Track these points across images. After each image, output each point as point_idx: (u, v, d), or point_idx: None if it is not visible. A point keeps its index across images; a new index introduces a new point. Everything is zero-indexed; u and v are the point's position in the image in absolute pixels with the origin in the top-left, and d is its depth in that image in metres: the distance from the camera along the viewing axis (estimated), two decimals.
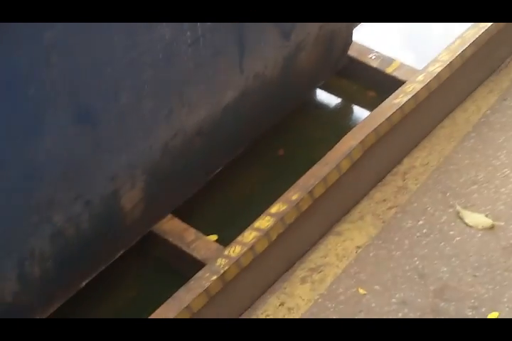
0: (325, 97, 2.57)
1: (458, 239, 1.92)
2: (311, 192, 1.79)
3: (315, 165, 1.87)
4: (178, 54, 1.69)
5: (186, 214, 1.89)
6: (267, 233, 1.71)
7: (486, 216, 1.96)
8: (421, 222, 1.96)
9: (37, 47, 1.30)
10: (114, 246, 1.86)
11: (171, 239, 1.82)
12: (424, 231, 1.94)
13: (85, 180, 1.51)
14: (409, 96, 2.13)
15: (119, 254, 1.77)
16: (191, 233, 1.82)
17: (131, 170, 1.61)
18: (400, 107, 2.11)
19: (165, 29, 1.52)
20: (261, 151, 2.10)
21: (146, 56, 1.47)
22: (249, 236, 1.70)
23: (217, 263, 1.65)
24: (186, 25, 1.64)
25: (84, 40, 1.39)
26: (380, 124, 2.07)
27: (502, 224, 1.93)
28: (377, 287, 1.83)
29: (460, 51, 2.28)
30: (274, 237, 1.73)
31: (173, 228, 1.84)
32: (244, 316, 1.78)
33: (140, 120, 1.56)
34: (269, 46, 2.11)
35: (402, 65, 2.38)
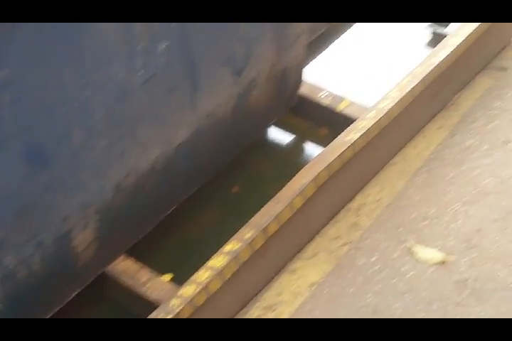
0: (278, 135, 2.60)
1: (410, 274, 1.94)
2: (264, 230, 1.80)
3: (268, 203, 1.88)
4: (130, 93, 1.69)
5: (141, 253, 1.87)
6: (220, 272, 1.70)
7: (438, 251, 1.99)
8: (374, 258, 1.98)
9: None
10: (67, 287, 1.83)
11: (124, 280, 1.80)
12: (377, 267, 1.96)
13: (37, 220, 1.49)
14: (361, 133, 2.16)
15: (72, 295, 1.74)
16: (145, 273, 1.80)
17: (84, 210, 1.59)
18: (352, 144, 2.13)
19: (118, 68, 1.54)
20: (215, 189, 2.11)
21: (98, 95, 1.47)
22: (203, 275, 1.69)
23: (171, 304, 1.64)
24: (139, 64, 1.65)
25: (37, 80, 1.39)
26: (332, 161, 2.09)
27: (453, 258, 1.97)
28: None
29: (409, 88, 2.33)
30: (228, 276, 1.73)
31: (127, 268, 1.82)
32: None
33: (93, 160, 1.56)
34: (222, 84, 2.13)
35: (352, 103, 2.41)
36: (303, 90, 2.49)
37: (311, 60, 2.72)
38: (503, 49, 2.98)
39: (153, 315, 1.64)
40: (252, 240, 1.78)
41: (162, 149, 1.96)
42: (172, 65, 1.80)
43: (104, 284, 1.85)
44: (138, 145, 1.85)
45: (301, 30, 2.40)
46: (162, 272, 1.84)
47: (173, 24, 1.72)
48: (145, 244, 1.91)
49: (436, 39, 2.74)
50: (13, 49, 1.28)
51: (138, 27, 1.62)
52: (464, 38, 2.61)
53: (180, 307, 1.64)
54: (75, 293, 1.76)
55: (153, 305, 1.70)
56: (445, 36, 2.67)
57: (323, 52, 2.87)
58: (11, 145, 1.37)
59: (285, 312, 1.86)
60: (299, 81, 2.53)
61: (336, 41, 2.91)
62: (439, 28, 2.82)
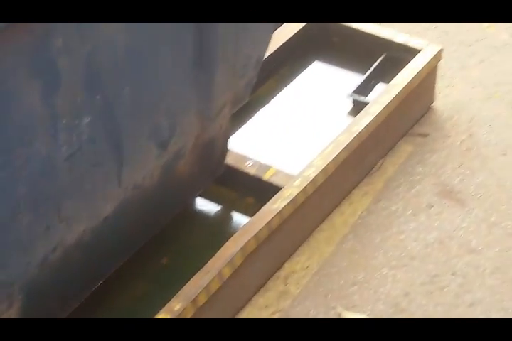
0: (205, 205, 2.63)
1: None
2: (193, 302, 1.80)
3: (197, 274, 1.89)
4: (54, 169, 1.69)
5: None
6: None
7: (367, 316, 2.01)
8: None
9: None
10: None
11: None
12: None
13: None
14: (287, 201, 2.21)
15: None
16: None
17: (8, 288, 1.57)
18: (279, 212, 2.17)
19: (41, 144, 1.54)
20: (144, 261, 2.11)
21: (21, 172, 1.47)
22: None
23: None
24: (62, 139, 1.65)
25: None
26: (260, 230, 2.12)
27: None
28: None
29: (333, 156, 2.40)
30: None
31: None
32: None
33: (16, 236, 1.54)
34: (147, 156, 2.15)
35: (278, 171, 2.47)
36: (229, 160, 2.54)
37: (237, 130, 2.78)
38: (424, 115, 3.11)
39: None
40: (182, 312, 1.79)
41: (89, 223, 1.94)
42: (96, 139, 1.81)
43: None
44: (64, 220, 1.83)
45: (225, 101, 2.43)
46: None
47: (97, 98, 1.73)
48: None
49: (358, 107, 2.84)
50: None
51: (60, 102, 1.62)
52: (384, 106, 2.71)
53: None
54: None
55: None
56: (366, 104, 2.77)
57: (248, 121, 2.94)
58: None
59: None
60: (225, 151, 2.58)
61: (261, 111, 2.99)
62: (360, 97, 2.93)
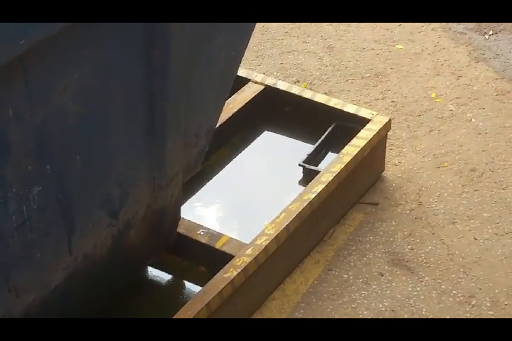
0: (157, 274, 2.63)
1: None
2: None
3: None
4: (3, 238, 1.68)
5: None
6: None
7: None
8: None
9: None
10: None
11: None
12: None
13: None
14: (239, 270, 2.23)
15: None
16: None
17: None
18: (231, 281, 2.19)
19: None
20: None
21: None
22: None
23: None
24: (12, 209, 1.65)
25: None
26: (212, 299, 2.14)
27: None
28: None
29: (285, 224, 2.43)
30: None
31: None
32: None
33: None
34: (98, 226, 2.14)
35: (230, 240, 2.48)
36: (181, 228, 2.56)
37: (189, 198, 2.82)
38: (374, 184, 3.19)
39: None
40: None
41: (38, 293, 1.92)
42: (46, 208, 1.81)
43: None
44: (11, 290, 1.81)
45: (177, 170, 2.46)
46: None
47: (47, 168, 1.73)
48: None
49: (309, 176, 2.90)
50: None
51: (10, 172, 1.62)
52: (335, 175, 2.77)
53: None
54: None
55: None
56: (317, 173, 2.82)
57: (200, 190, 2.99)
58: None
59: None
60: (176, 219, 2.58)
61: (213, 179, 3.04)
62: (311, 166, 3.00)
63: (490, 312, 2.62)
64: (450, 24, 4.48)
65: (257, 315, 2.39)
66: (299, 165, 3.19)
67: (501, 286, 2.80)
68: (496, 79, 4.00)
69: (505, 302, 2.67)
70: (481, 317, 2.63)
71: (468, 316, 2.62)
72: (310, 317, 2.40)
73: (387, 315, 2.52)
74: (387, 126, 3.21)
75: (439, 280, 2.86)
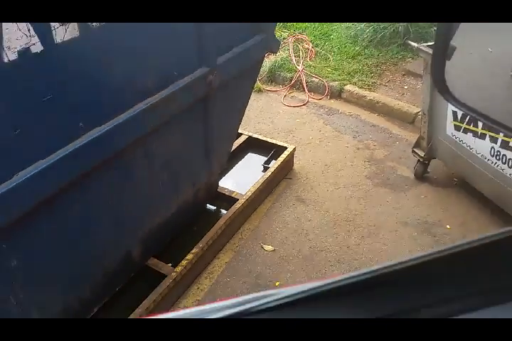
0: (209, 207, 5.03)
1: None
2: None
3: None
4: None
5: None
6: None
7: None
8: None
9: None
10: None
11: None
12: None
13: None
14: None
15: None
16: None
17: None
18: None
19: None
20: None
21: None
22: None
23: None
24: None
25: None
26: None
27: None
28: None
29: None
30: None
31: None
32: None
33: None
34: (188, 188, 4.14)
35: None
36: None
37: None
38: (289, 171, 5.94)
39: None
40: None
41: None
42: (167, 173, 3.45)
43: None
44: None
45: (217, 168, 4.59)
46: None
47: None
48: None
49: (266, 169, 5.50)
50: None
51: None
52: (275, 167, 5.36)
53: None
54: None
55: None
56: (269, 168, 5.36)
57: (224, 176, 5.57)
58: None
59: None
60: (216, 187, 4.77)
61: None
62: (266, 165, 5.57)
63: None
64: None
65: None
66: (262, 165, 5.70)
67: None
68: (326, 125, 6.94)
69: None
70: None
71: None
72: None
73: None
74: (294, 149, 5.77)
75: (320, 204, 5.36)
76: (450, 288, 0.83)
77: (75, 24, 2.41)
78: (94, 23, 2.52)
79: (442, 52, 1.45)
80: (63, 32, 2.37)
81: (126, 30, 2.76)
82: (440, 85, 1.50)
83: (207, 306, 0.79)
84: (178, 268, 4.23)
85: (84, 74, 2.64)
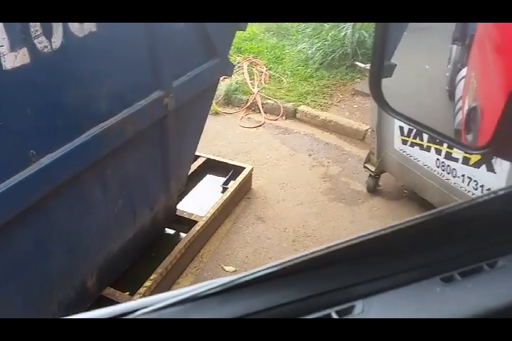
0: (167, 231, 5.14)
1: None
2: None
3: None
4: None
5: None
6: None
7: None
8: None
9: None
10: None
11: None
12: None
13: None
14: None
15: None
16: None
17: None
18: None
19: None
20: None
21: None
22: None
23: None
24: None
25: None
26: None
27: None
28: None
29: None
30: None
31: None
32: None
33: None
34: (144, 213, 4.11)
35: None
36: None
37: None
38: (248, 191, 6.09)
39: None
40: None
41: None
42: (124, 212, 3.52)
43: None
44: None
45: (175, 190, 4.65)
46: None
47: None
48: None
49: (224, 189, 5.74)
50: None
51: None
52: (235, 187, 5.45)
53: None
54: None
55: None
56: (227, 188, 5.55)
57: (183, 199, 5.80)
58: None
59: None
60: (175, 209, 4.80)
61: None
62: (225, 185, 5.69)
63: None
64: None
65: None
66: (221, 186, 5.85)
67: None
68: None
69: None
70: None
71: None
72: None
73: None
74: (252, 169, 5.94)
75: (279, 222, 5.60)
76: (379, 267, 0.90)
77: (25, 50, 2.41)
78: (45, 49, 2.53)
79: (378, 65, 1.56)
80: (13, 58, 2.37)
81: (79, 54, 2.79)
82: (378, 98, 1.61)
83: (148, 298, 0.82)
84: (136, 297, 4.17)
85: (35, 101, 2.63)
